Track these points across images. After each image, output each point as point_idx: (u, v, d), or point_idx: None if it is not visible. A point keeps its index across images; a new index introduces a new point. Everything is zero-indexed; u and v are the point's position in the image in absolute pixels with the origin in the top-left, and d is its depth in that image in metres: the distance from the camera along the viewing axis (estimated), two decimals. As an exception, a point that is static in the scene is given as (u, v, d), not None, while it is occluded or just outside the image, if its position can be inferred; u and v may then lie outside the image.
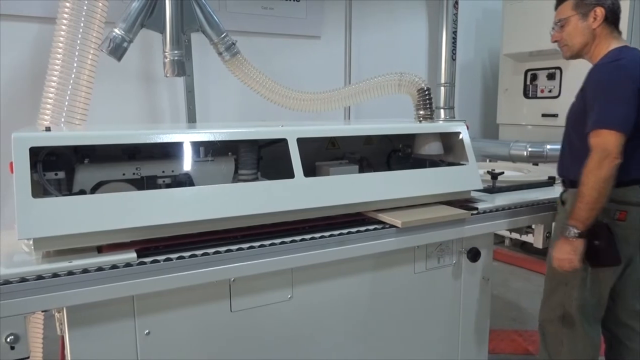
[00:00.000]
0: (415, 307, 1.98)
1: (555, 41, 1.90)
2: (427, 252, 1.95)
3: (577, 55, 1.88)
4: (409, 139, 2.19)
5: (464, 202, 2.08)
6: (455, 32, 4.40)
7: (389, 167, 2.28)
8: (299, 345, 1.74)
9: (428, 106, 2.14)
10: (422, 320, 2.01)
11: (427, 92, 2.12)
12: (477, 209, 1.98)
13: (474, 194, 2.14)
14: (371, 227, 1.75)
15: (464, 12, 4.53)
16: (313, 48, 4.10)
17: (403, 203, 1.89)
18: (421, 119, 2.14)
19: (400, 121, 2.24)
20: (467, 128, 2.11)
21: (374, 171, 2.02)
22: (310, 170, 1.89)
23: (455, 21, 4.39)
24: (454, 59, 4.44)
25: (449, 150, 2.13)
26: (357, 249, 1.71)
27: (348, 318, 1.83)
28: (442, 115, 4.43)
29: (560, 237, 1.77)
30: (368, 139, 2.25)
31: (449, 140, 2.13)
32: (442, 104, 4.45)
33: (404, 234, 1.78)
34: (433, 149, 2.08)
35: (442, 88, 4.47)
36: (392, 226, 1.76)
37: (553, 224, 2.11)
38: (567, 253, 1.73)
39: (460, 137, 2.08)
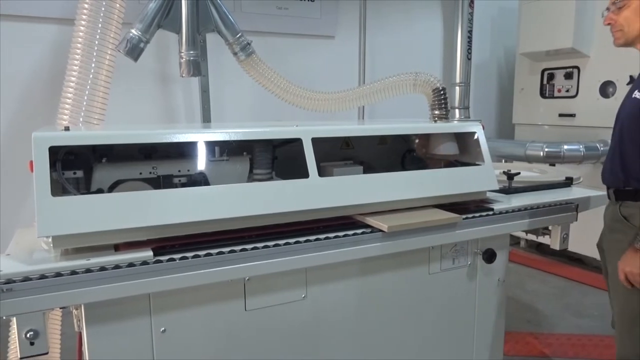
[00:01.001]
0: (429, 308, 1.97)
1: (609, 24, 1.74)
2: (442, 252, 1.94)
3: (631, 43, 1.72)
4: (423, 139, 2.18)
5: (479, 202, 2.07)
6: (470, 31, 4.37)
7: (403, 167, 2.27)
8: (313, 344, 1.75)
9: (443, 106, 2.12)
10: (436, 321, 2.00)
11: (442, 92, 2.11)
12: (492, 209, 1.97)
13: (489, 195, 2.12)
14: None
15: (479, 11, 4.50)
16: (327, 48, 4.10)
17: (418, 203, 1.88)
18: (436, 118, 2.13)
19: (415, 121, 2.23)
20: (483, 128, 2.09)
21: (384, 172, 2.01)
22: (324, 170, 1.89)
23: (471, 20, 4.35)
24: (469, 58, 4.41)
25: (464, 151, 2.12)
26: (371, 249, 1.70)
27: (362, 318, 1.83)
28: (457, 115, 4.41)
29: (630, 249, 1.67)
30: (382, 139, 2.25)
31: (465, 141, 2.11)
32: (457, 104, 4.43)
33: (414, 235, 1.78)
34: (448, 149, 2.07)
35: (457, 88, 4.44)
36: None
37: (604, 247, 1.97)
38: (636, 266, 1.62)
39: (476, 137, 2.07)
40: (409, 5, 4.46)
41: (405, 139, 2.25)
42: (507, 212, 1.99)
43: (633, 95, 1.69)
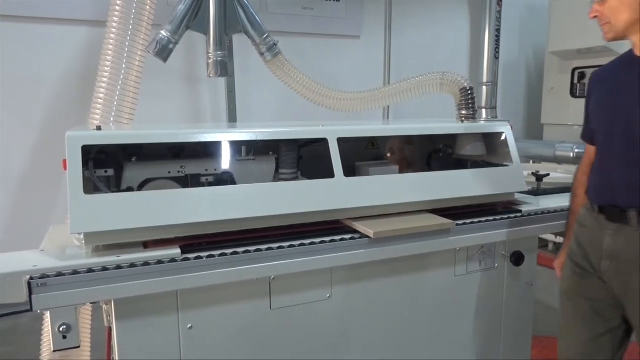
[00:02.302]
0: (455, 310, 1.95)
1: (595, 17, 1.52)
2: (469, 254, 1.92)
3: (621, 36, 1.49)
4: (450, 139, 2.16)
5: (507, 204, 2.04)
6: (498, 30, 4.30)
7: (429, 167, 2.25)
8: (337, 344, 1.75)
9: (471, 106, 2.10)
10: (462, 324, 1.98)
11: (469, 92, 2.08)
12: (520, 211, 1.93)
13: (518, 196, 2.08)
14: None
15: (507, 9, 4.42)
16: (352, 48, 4.09)
17: (446, 204, 1.87)
18: (463, 118, 2.11)
19: (442, 121, 2.21)
20: (511, 128, 2.05)
21: (409, 172, 1.99)
22: (349, 170, 1.88)
23: (499, 18, 4.28)
24: (496, 57, 4.34)
25: (492, 151, 2.09)
26: (396, 250, 1.70)
27: (387, 318, 1.82)
28: (484, 115, 4.34)
29: None
30: (408, 139, 2.23)
31: (492, 141, 2.08)
32: (484, 104, 4.36)
33: (443, 236, 1.76)
34: (475, 149, 2.04)
35: (484, 87, 4.37)
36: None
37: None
38: None
39: (504, 137, 2.03)
40: (435, 5, 4.41)
41: (431, 139, 2.23)
42: (535, 214, 1.95)
43: None
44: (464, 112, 2.11)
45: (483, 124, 2.13)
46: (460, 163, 2.12)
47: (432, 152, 2.26)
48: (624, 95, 1.47)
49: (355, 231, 1.66)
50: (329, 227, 1.69)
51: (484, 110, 4.36)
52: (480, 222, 1.83)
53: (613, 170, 1.50)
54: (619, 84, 1.50)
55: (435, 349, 1.93)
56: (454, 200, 1.88)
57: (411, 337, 1.88)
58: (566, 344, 1.71)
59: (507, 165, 2.00)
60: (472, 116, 2.10)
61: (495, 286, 2.01)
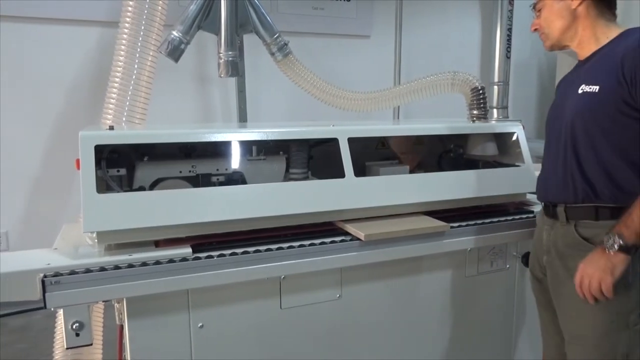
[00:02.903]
0: (465, 311, 1.94)
1: (535, 30, 1.58)
2: (480, 255, 1.91)
3: (558, 44, 1.53)
4: (461, 139, 2.14)
5: (519, 204, 2.02)
6: (510, 29, 4.26)
7: (440, 167, 2.24)
8: (346, 344, 1.74)
9: (482, 106, 2.09)
10: (473, 325, 1.97)
11: (481, 91, 2.07)
12: (532, 212, 1.92)
13: (529, 197, 2.07)
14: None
15: (519, 8, 4.37)
16: (363, 48, 4.08)
17: (456, 204, 1.86)
18: (474, 118, 2.09)
19: (453, 121, 2.20)
20: (523, 128, 2.04)
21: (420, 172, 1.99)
22: (358, 170, 1.88)
23: (511, 17, 4.24)
24: (508, 57, 4.30)
25: (504, 151, 2.07)
26: (407, 250, 1.69)
27: (396, 319, 1.81)
28: (495, 115, 4.30)
29: (596, 250, 1.38)
30: (418, 139, 2.22)
31: (504, 141, 2.07)
32: (495, 104, 4.32)
33: (451, 238, 1.75)
34: (487, 149, 2.03)
35: (495, 87, 4.33)
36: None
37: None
38: (601, 269, 1.33)
39: (516, 137, 2.02)
40: (446, 4, 4.38)
41: (442, 139, 2.22)
42: (548, 214, 1.93)
43: (580, 90, 1.43)
44: (475, 112, 2.10)
45: (495, 124, 2.12)
46: (472, 163, 2.11)
47: (443, 152, 2.25)
48: (563, 98, 1.54)
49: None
50: (340, 227, 1.70)
51: (495, 110, 4.32)
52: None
53: (548, 169, 1.57)
54: (564, 88, 1.56)
55: (445, 350, 1.93)
56: (465, 201, 1.87)
57: (421, 338, 1.88)
58: (546, 347, 1.72)
59: (518, 166, 1.98)
60: (484, 116, 2.09)
61: (506, 287, 2.00)
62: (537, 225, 1.67)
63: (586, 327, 1.44)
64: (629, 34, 1.40)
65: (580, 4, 1.44)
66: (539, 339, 1.80)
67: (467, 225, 1.79)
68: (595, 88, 1.39)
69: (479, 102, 2.08)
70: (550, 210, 1.54)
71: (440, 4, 4.35)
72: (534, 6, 1.56)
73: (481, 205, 1.94)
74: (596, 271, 1.34)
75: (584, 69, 1.47)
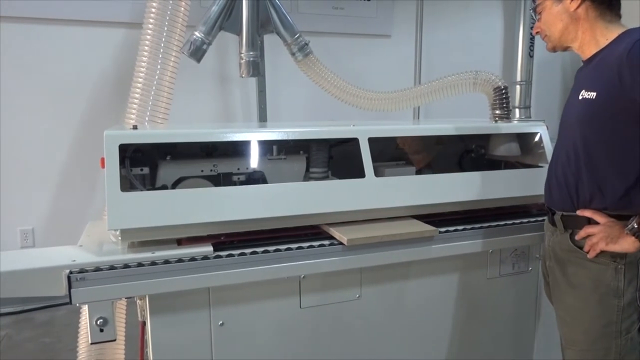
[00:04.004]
0: (486, 313, 1.92)
1: (537, 33, 1.58)
2: (501, 257, 1.88)
3: (560, 46, 1.53)
4: (482, 140, 2.12)
5: (541, 206, 1.99)
6: (533, 28, 4.19)
7: (461, 168, 2.22)
8: (366, 344, 1.74)
9: (504, 105, 2.06)
10: (493, 328, 1.94)
11: (504, 91, 2.05)
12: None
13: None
14: (442, 230, 1.72)
15: (543, 7, 4.31)
16: (383, 47, 4.06)
17: (477, 205, 1.84)
18: (497, 118, 2.07)
19: (475, 121, 2.18)
20: (547, 128, 2.01)
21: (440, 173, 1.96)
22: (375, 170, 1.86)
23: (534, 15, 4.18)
24: (531, 56, 4.24)
25: (526, 152, 2.04)
26: (424, 252, 1.68)
27: (416, 320, 1.80)
28: (517, 115, 4.25)
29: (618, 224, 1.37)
30: (439, 139, 2.20)
31: (526, 141, 2.04)
32: (517, 103, 4.27)
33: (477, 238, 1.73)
34: (509, 150, 2.00)
35: (518, 86, 4.28)
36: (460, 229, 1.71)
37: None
38: (610, 235, 1.35)
39: (539, 137, 1.99)
40: (468, 3, 4.34)
41: (463, 139, 2.19)
42: (571, 216, 1.89)
43: (580, 97, 1.42)
44: (497, 111, 2.07)
45: (518, 124, 2.09)
46: (494, 163, 2.08)
47: (464, 153, 2.22)
48: (569, 101, 1.52)
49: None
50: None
51: (517, 110, 4.26)
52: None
53: (551, 174, 1.57)
54: (572, 92, 1.53)
55: (465, 351, 1.91)
56: (486, 202, 1.85)
57: (441, 339, 1.86)
58: None
59: (542, 167, 1.95)
60: (506, 116, 2.06)
61: (529, 290, 1.97)
62: (544, 229, 1.67)
63: (580, 332, 1.47)
64: (626, 36, 1.37)
65: (579, 6, 1.42)
66: (559, 342, 1.78)
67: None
68: (593, 94, 1.38)
69: (502, 102, 2.05)
70: (551, 217, 1.56)
71: (462, 3, 4.30)
72: (535, 9, 1.55)
73: (504, 207, 1.91)
74: (605, 233, 1.37)
75: (586, 71, 1.46)
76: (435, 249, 1.69)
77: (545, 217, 1.63)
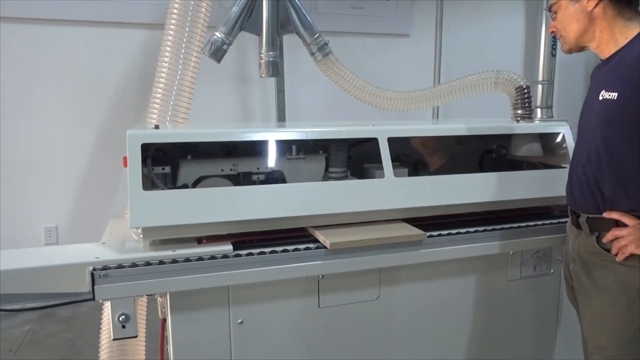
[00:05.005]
0: (507, 315, 1.89)
1: (552, 33, 1.53)
2: (523, 259, 1.86)
3: (576, 47, 1.48)
4: (503, 140, 2.09)
5: (564, 207, 1.95)
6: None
7: (481, 168, 2.20)
8: (384, 345, 1.73)
9: (527, 105, 2.03)
10: (514, 330, 1.92)
11: (526, 91, 2.02)
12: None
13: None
14: (462, 231, 1.71)
15: (566, 5, 4.23)
16: (402, 47, 4.04)
17: (499, 206, 1.82)
18: (519, 118, 2.04)
19: (497, 121, 2.15)
20: (570, 129, 1.97)
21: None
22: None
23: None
24: (553, 55, 4.16)
25: (549, 152, 2.01)
26: (443, 253, 1.67)
27: (436, 321, 1.79)
28: (539, 115, 4.18)
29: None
30: (458, 139, 2.18)
31: (549, 142, 2.01)
32: (539, 103, 4.20)
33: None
34: (531, 150, 1.97)
35: (540, 86, 4.20)
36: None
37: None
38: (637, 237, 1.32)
39: (561, 138, 1.96)
40: (488, 3, 4.29)
41: (483, 139, 2.17)
42: (595, 218, 1.86)
43: (601, 97, 1.38)
44: (519, 111, 2.04)
45: (541, 124, 2.06)
46: (515, 164, 2.05)
47: (484, 153, 2.20)
48: (588, 101, 1.48)
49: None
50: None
51: (539, 110, 4.20)
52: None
53: (572, 174, 1.53)
54: (591, 90, 1.49)
55: (485, 353, 1.89)
56: (508, 203, 1.83)
57: (461, 340, 1.85)
58: None
59: (565, 167, 1.92)
60: (528, 116, 2.04)
61: (550, 292, 1.94)
62: (567, 231, 1.63)
63: (607, 337, 1.42)
64: None
65: (596, 5, 1.38)
66: (580, 345, 1.75)
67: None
68: (614, 95, 1.33)
69: (524, 102, 2.03)
70: (574, 219, 1.51)
71: (482, 3, 4.26)
72: (550, 8, 1.50)
73: (527, 208, 1.88)
74: (634, 236, 1.33)
75: (605, 70, 1.42)
76: (452, 250, 1.69)
77: (568, 219, 1.60)
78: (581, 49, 1.49)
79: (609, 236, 1.39)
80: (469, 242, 1.71)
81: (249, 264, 1.46)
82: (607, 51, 1.41)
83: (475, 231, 1.73)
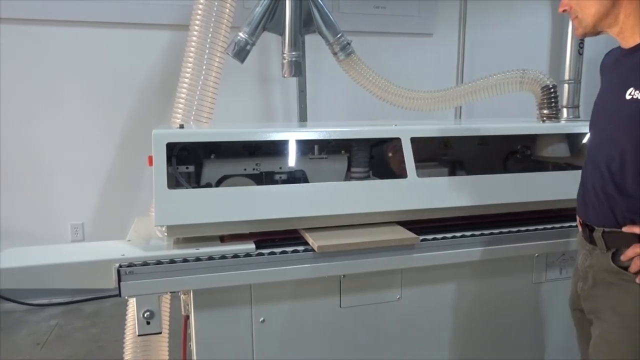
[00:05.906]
0: (531, 318, 1.86)
1: (564, 11, 1.33)
2: (548, 262, 1.82)
3: (593, 31, 1.28)
4: (529, 140, 2.06)
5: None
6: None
7: (505, 169, 2.16)
8: (405, 345, 1.72)
9: (553, 105, 2.00)
10: (537, 333, 1.88)
11: (552, 90, 1.99)
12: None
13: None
14: (486, 232, 1.69)
15: (594, 2, 4.14)
16: (425, 46, 4.01)
17: (522, 208, 1.79)
18: (545, 118, 2.00)
19: (522, 121, 2.12)
20: (598, 129, 1.92)
21: (468, 174, 1.91)
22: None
23: (584, 12, 4.02)
24: (580, 54, 4.07)
25: (575, 153, 1.97)
26: (469, 254, 1.66)
27: (457, 323, 1.77)
28: (565, 115, 4.10)
29: None
30: (482, 140, 2.15)
31: (576, 142, 1.96)
32: (565, 103, 4.11)
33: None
34: (558, 150, 1.93)
35: (566, 85, 4.12)
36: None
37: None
38: None
39: (590, 138, 1.91)
40: (512, 2, 4.22)
41: (508, 139, 2.14)
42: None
43: (628, 96, 1.18)
44: (545, 111, 2.01)
45: (568, 124, 2.03)
46: (540, 165, 2.02)
47: (509, 153, 2.17)
48: (608, 97, 1.31)
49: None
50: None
51: (565, 110, 4.11)
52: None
53: (586, 185, 1.34)
54: (609, 85, 1.32)
55: (508, 355, 1.86)
56: (532, 204, 1.80)
57: (484, 342, 1.82)
58: None
59: (592, 168, 1.88)
60: (555, 115, 2.00)
61: (576, 296, 1.90)
62: (577, 246, 1.46)
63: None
64: None
65: None
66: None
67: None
68: None
69: (550, 101, 1.99)
70: (587, 233, 1.33)
71: (507, 2, 4.20)
72: None
73: (552, 210, 1.85)
74: None
75: (631, 64, 1.22)
76: (474, 252, 1.67)
77: (578, 233, 1.41)
78: (597, 33, 1.30)
79: (629, 253, 1.21)
80: (493, 244, 1.69)
81: (271, 263, 1.47)
82: (632, 40, 1.23)
83: (500, 233, 1.70)
